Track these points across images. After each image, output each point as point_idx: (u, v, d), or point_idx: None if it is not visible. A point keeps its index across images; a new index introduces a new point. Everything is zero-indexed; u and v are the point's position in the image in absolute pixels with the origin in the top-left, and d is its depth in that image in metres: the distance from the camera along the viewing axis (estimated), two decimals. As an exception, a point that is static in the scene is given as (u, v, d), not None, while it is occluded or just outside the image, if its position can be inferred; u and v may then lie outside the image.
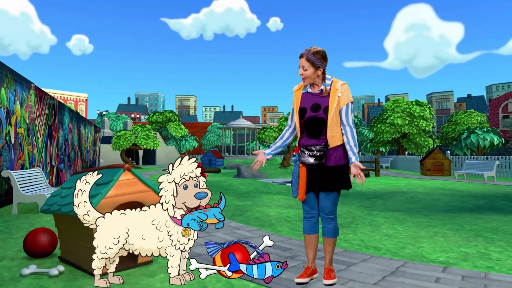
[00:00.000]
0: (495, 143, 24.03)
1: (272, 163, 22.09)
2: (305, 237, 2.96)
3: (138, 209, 2.76)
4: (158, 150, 36.16)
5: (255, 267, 2.61)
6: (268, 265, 2.61)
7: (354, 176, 2.76)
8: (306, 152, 2.78)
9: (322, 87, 2.81)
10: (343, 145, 2.80)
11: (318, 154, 2.74)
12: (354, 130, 2.82)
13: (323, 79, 2.83)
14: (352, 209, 7.30)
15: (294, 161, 2.95)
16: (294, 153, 2.93)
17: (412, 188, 11.27)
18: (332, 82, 2.83)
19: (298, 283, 2.83)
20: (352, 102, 2.80)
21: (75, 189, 2.72)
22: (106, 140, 35.67)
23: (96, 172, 2.80)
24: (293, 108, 2.94)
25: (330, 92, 2.79)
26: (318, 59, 2.76)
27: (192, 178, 2.59)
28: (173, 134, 41.91)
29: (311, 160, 2.76)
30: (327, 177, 2.75)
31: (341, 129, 2.80)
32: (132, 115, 51.88)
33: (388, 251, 3.93)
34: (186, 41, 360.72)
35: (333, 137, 2.76)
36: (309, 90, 2.87)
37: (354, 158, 2.74)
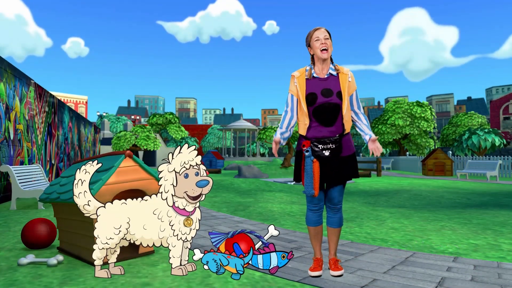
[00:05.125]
0: (497, 144, 23.94)
1: (273, 163, 22.00)
2: (311, 229, 2.81)
3: (140, 199, 2.67)
4: (158, 152, 36.08)
5: (260, 257, 2.51)
6: (273, 255, 2.51)
7: (372, 150, 2.69)
8: (320, 145, 2.59)
9: (332, 66, 2.70)
10: (349, 133, 2.72)
11: (334, 146, 2.58)
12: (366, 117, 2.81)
13: (332, 61, 2.73)
14: (356, 205, 7.20)
15: (307, 156, 2.60)
16: (305, 148, 2.62)
17: (415, 187, 11.16)
18: (336, 66, 2.72)
19: (313, 276, 2.70)
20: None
21: (75, 178, 2.63)
22: (106, 141, 35.60)
23: (96, 161, 2.70)
24: (293, 94, 2.71)
25: (339, 76, 2.67)
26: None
27: (193, 166, 2.50)
28: (173, 136, 41.83)
29: (326, 153, 2.59)
30: (341, 169, 2.64)
31: (353, 116, 2.75)
32: (132, 117, 51.85)
33: (395, 243, 3.84)
34: (182, 44, 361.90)
35: (347, 122, 2.67)
36: (315, 75, 2.67)
37: (371, 133, 2.72)
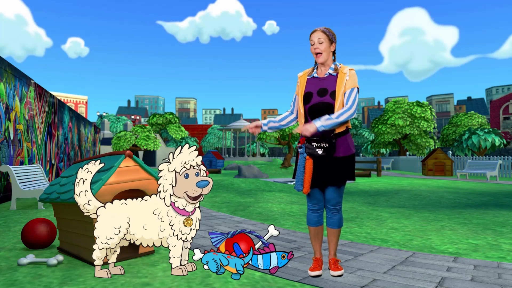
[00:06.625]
0: (497, 144, 23.94)
1: (273, 163, 21.98)
2: (311, 229, 2.81)
3: (140, 199, 2.67)
4: (158, 152, 36.08)
5: (260, 257, 2.51)
6: (273, 255, 2.51)
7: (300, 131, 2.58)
8: (314, 143, 2.59)
9: (333, 66, 2.69)
10: (349, 133, 2.70)
11: (327, 145, 2.56)
12: (349, 112, 2.56)
13: (334, 59, 2.72)
14: (356, 205, 7.20)
15: (301, 153, 2.67)
16: (300, 144, 2.69)
17: (415, 187, 11.16)
18: (340, 66, 2.72)
19: (313, 276, 2.69)
20: (358, 88, 2.65)
21: (76, 177, 2.63)
22: (106, 141, 35.60)
23: (98, 161, 2.70)
24: (297, 95, 2.82)
25: (338, 76, 2.68)
26: (332, 34, 2.68)
27: (193, 166, 2.50)
28: (173, 136, 41.85)
29: (320, 151, 2.58)
30: (336, 169, 2.62)
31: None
32: (132, 117, 51.84)
33: (395, 243, 3.84)
34: (182, 44, 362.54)
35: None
36: (315, 75, 2.72)
37: (317, 123, 2.54)
